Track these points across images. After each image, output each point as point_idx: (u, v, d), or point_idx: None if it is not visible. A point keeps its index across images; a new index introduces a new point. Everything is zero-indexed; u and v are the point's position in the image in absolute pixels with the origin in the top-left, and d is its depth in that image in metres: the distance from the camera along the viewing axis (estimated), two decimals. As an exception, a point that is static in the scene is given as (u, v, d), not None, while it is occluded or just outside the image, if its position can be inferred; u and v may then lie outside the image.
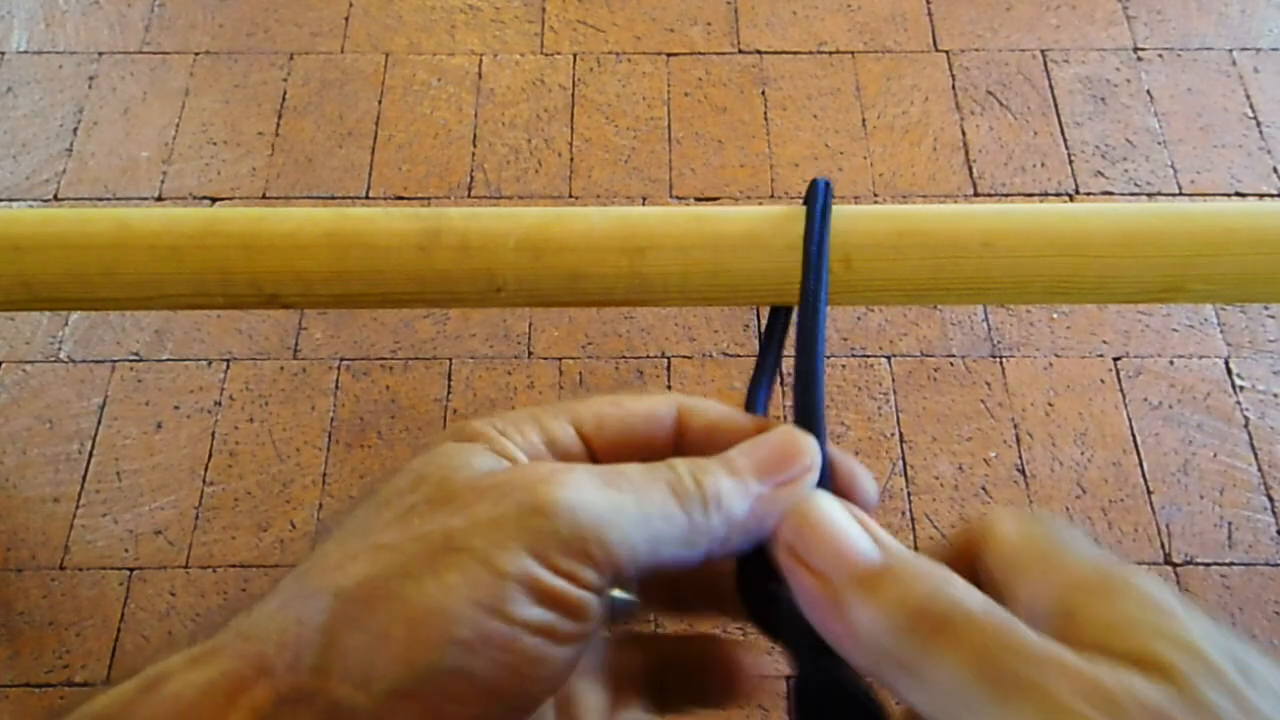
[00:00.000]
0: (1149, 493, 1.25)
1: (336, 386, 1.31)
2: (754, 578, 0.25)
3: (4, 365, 1.33)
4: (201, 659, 0.21)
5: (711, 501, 0.24)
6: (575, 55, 1.59)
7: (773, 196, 1.45)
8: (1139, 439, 1.28)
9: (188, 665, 0.21)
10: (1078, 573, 0.22)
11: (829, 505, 0.24)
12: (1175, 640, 0.20)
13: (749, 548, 0.25)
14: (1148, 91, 1.54)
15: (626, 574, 0.23)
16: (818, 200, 0.33)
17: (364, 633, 0.21)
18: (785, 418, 0.28)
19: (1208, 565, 1.20)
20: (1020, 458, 1.27)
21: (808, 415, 0.27)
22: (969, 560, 0.24)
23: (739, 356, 1.30)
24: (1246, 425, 1.29)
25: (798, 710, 0.25)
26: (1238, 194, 1.45)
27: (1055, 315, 1.36)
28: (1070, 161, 1.48)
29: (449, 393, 1.30)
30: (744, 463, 0.25)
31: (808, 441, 0.26)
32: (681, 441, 0.27)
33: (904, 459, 1.26)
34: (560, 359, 1.32)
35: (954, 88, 1.55)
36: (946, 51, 1.59)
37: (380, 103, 1.53)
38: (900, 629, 0.21)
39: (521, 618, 0.21)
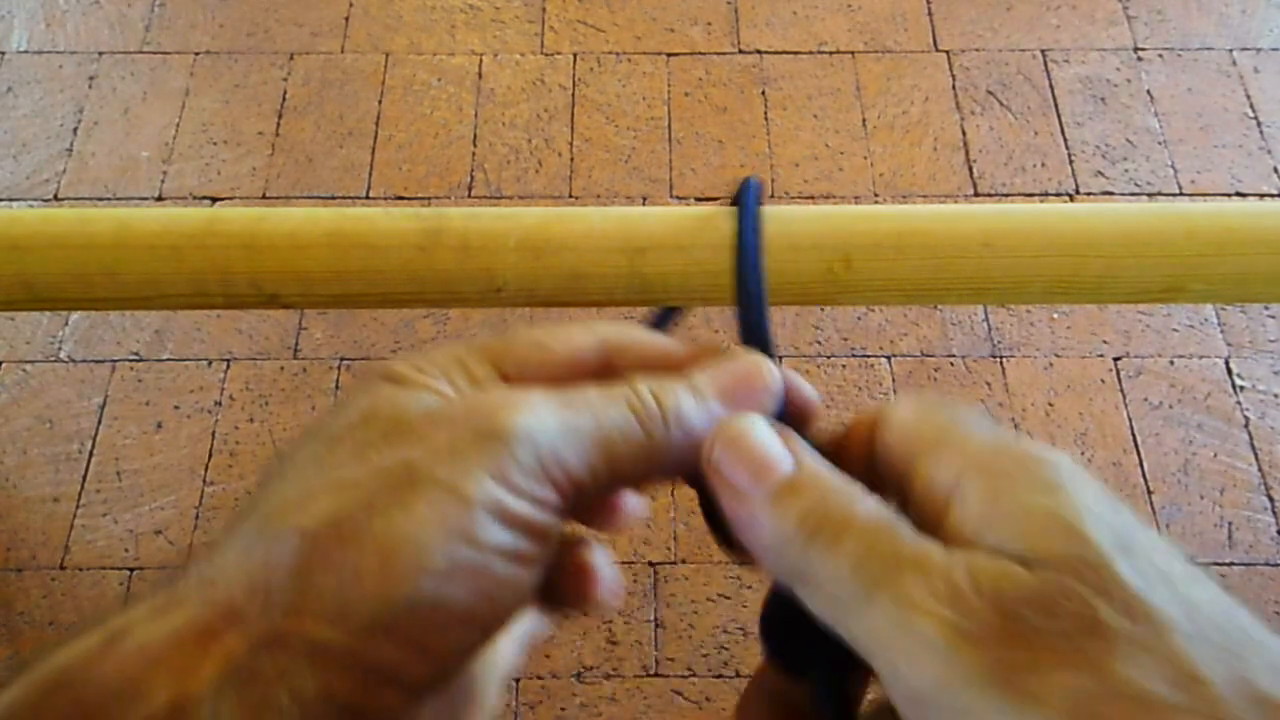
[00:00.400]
0: (1149, 493, 1.25)
1: (337, 386, 1.31)
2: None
3: (4, 365, 1.34)
4: (166, 609, 0.21)
5: (672, 420, 0.24)
6: (575, 55, 1.59)
7: (773, 196, 1.45)
8: (1139, 439, 1.28)
9: (152, 616, 0.21)
10: (975, 455, 0.22)
11: (751, 423, 0.25)
12: (1058, 528, 0.20)
13: (693, 473, 0.25)
14: (1148, 91, 1.54)
15: (587, 495, 0.23)
16: (749, 194, 0.33)
17: (336, 571, 0.21)
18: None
19: (1208, 565, 1.20)
20: (1020, 458, 1.27)
21: (756, 339, 0.28)
22: (867, 447, 0.25)
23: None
24: (1247, 425, 1.29)
25: (762, 625, 0.26)
26: (1238, 194, 1.45)
27: (1055, 315, 1.36)
28: (1070, 161, 1.48)
29: (449, 393, 1.30)
30: (706, 385, 0.25)
31: (770, 368, 0.26)
32: (611, 376, 0.27)
33: (904, 459, 1.26)
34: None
35: (954, 88, 1.55)
36: (947, 51, 1.59)
37: (380, 103, 1.53)
38: (793, 536, 0.22)
39: (492, 543, 0.22)
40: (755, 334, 0.28)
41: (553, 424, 0.23)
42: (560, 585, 0.26)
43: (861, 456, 0.25)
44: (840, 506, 0.22)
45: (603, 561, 0.27)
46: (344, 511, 0.21)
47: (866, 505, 0.22)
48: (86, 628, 0.21)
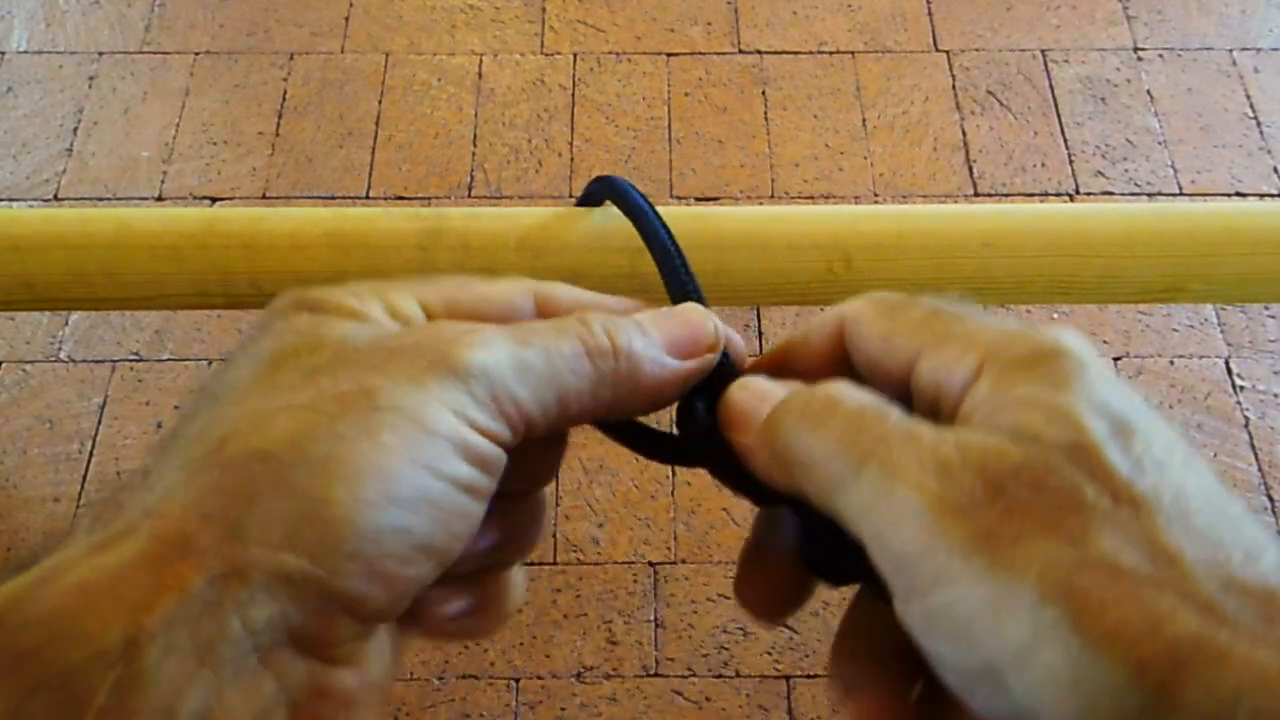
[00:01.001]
0: (1149, 493, 1.25)
1: (336, 386, 1.31)
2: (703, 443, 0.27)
3: (4, 365, 1.34)
4: (108, 544, 0.20)
5: (623, 357, 0.24)
6: (575, 55, 1.59)
7: (773, 196, 1.45)
8: (1139, 439, 1.28)
9: (91, 553, 0.20)
10: (989, 347, 0.23)
11: (749, 387, 0.26)
12: (1057, 416, 0.21)
13: (643, 412, 0.26)
14: (1148, 91, 1.54)
15: (538, 427, 0.23)
16: (613, 183, 0.33)
17: (300, 497, 0.20)
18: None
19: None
20: (1020, 458, 1.27)
21: (690, 294, 0.28)
22: (832, 358, 0.26)
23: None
24: (1247, 425, 1.29)
25: (801, 555, 0.26)
26: (1238, 194, 1.45)
27: (1055, 315, 1.36)
28: (1070, 161, 1.48)
29: (449, 393, 1.30)
30: (650, 324, 0.26)
31: (714, 321, 0.27)
32: None
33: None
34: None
35: (954, 88, 1.55)
36: (947, 51, 1.59)
37: (380, 103, 1.53)
38: (788, 427, 0.23)
39: (452, 475, 0.22)
40: (685, 288, 0.29)
41: (506, 359, 0.23)
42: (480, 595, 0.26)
43: (827, 368, 0.26)
44: (828, 395, 0.23)
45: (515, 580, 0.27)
46: (305, 434, 0.21)
47: (855, 393, 0.23)
48: (4, 573, 0.20)
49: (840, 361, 0.26)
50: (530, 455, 0.25)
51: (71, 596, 0.19)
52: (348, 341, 0.23)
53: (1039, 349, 0.22)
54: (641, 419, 0.27)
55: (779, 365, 0.27)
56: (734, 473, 0.25)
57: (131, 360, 1.33)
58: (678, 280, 0.29)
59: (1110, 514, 0.19)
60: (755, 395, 0.25)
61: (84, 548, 0.20)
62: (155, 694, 0.19)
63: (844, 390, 0.23)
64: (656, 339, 0.25)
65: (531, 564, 1.20)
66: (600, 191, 0.34)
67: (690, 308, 0.27)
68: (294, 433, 0.21)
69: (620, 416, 0.26)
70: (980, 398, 0.22)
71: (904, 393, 0.24)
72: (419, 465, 0.21)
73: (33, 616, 0.19)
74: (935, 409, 0.23)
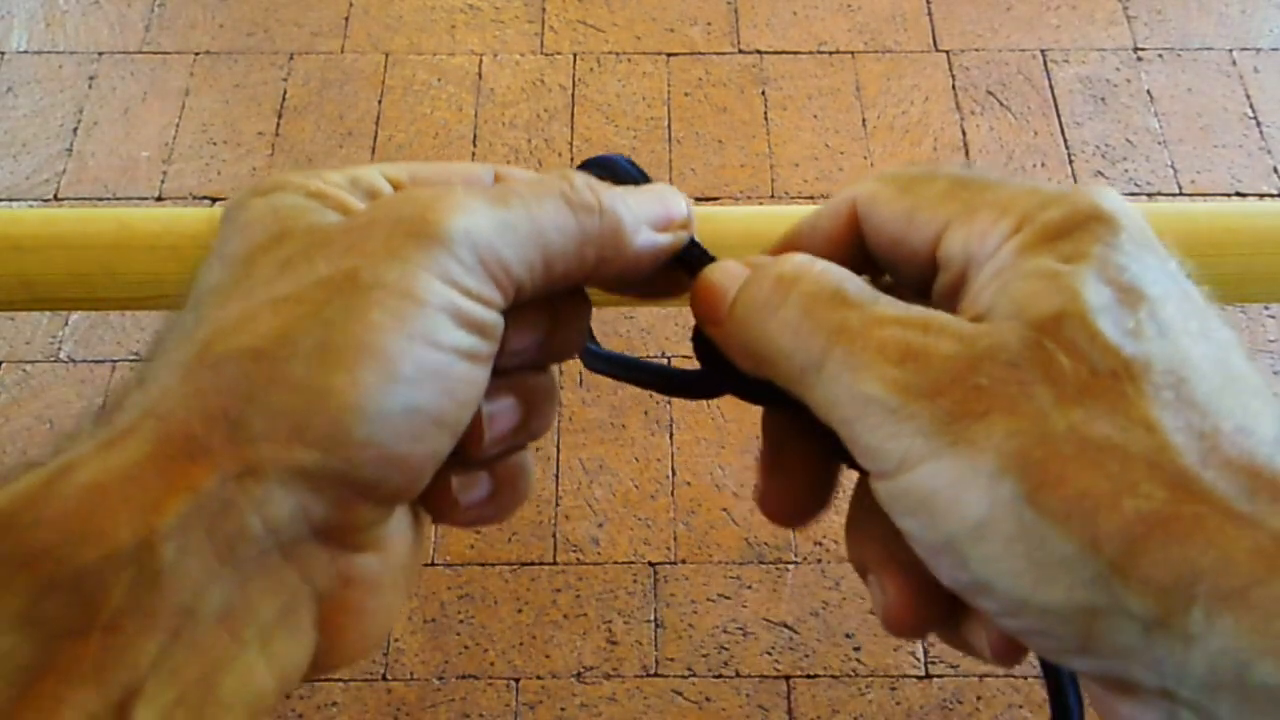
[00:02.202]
0: (1149, 493, 1.25)
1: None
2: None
3: (4, 365, 1.34)
4: (115, 444, 0.19)
5: (606, 215, 0.24)
6: (575, 55, 1.59)
7: (773, 196, 1.45)
8: (1139, 439, 1.28)
9: (99, 452, 0.19)
10: (1023, 211, 0.22)
11: (719, 269, 0.25)
12: (1056, 287, 0.20)
13: (618, 282, 0.26)
14: (1148, 91, 1.54)
15: (527, 290, 0.23)
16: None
17: (300, 389, 0.20)
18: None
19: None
20: (1020, 458, 1.27)
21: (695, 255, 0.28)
22: (846, 239, 0.25)
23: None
24: (1246, 425, 1.29)
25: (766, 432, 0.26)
26: (1238, 194, 1.45)
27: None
28: (1070, 161, 1.48)
29: (449, 393, 1.30)
30: (633, 199, 0.25)
31: (687, 201, 0.27)
32: None
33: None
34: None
35: (954, 88, 1.55)
36: (946, 51, 1.59)
37: (380, 103, 1.53)
38: (749, 315, 0.23)
39: (453, 344, 0.21)
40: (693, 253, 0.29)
41: (487, 221, 0.22)
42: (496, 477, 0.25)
43: (837, 255, 0.25)
44: (783, 273, 0.22)
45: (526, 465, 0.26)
46: (292, 327, 0.20)
47: (812, 268, 0.22)
48: (13, 472, 0.20)
49: (852, 246, 0.25)
50: (532, 321, 0.24)
51: (81, 497, 0.19)
52: (317, 225, 0.22)
53: (1075, 213, 0.21)
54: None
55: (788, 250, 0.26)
56: (746, 382, 0.25)
57: (131, 360, 1.33)
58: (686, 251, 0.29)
59: (1087, 384, 0.19)
60: (724, 276, 0.24)
61: (91, 447, 0.20)
62: (174, 593, 0.18)
63: (799, 266, 0.22)
64: (635, 205, 0.25)
65: (531, 564, 1.20)
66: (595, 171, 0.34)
67: (664, 186, 0.27)
68: (281, 326, 0.20)
69: (604, 284, 0.25)
70: (996, 267, 0.21)
71: (928, 272, 0.24)
72: (416, 339, 0.20)
73: (44, 516, 0.18)
74: (964, 283, 0.22)
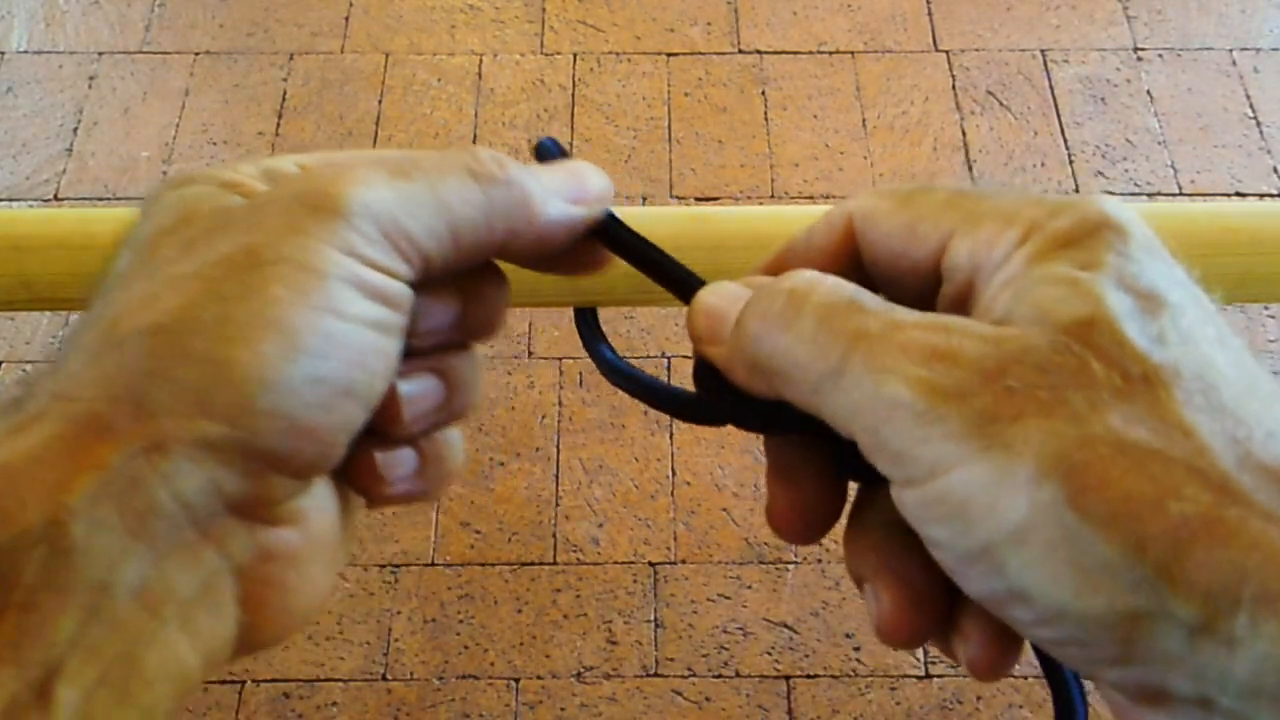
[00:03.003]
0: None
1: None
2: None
3: (4, 365, 1.33)
4: (22, 428, 0.20)
5: (514, 186, 0.24)
6: (575, 55, 1.59)
7: (773, 196, 1.45)
8: (1139, 439, 1.28)
9: (7, 437, 0.20)
10: (1031, 220, 0.21)
11: (716, 291, 0.25)
12: (1078, 294, 0.20)
13: (533, 256, 0.26)
14: (1148, 91, 1.54)
15: (435, 262, 0.23)
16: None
17: (202, 363, 0.20)
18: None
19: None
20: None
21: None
22: (841, 251, 0.25)
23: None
24: (1246, 425, 1.29)
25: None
26: (1238, 194, 1.45)
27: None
28: (1070, 161, 1.48)
29: (449, 393, 1.30)
30: (544, 173, 0.25)
31: (602, 174, 0.27)
32: None
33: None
34: (560, 359, 1.32)
35: (954, 88, 1.55)
36: (946, 51, 1.59)
37: (380, 103, 1.54)
38: (757, 331, 0.22)
39: (357, 314, 0.21)
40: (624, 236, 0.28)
41: (388, 193, 0.22)
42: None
43: (832, 268, 0.24)
44: (794, 288, 0.22)
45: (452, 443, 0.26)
46: (192, 303, 0.21)
47: (823, 282, 0.22)
48: None
49: (848, 262, 0.25)
50: (447, 298, 0.25)
51: None
52: (222, 209, 0.23)
53: (1084, 221, 0.21)
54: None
55: (778, 270, 0.26)
56: (749, 409, 0.24)
57: (131, 360, 1.33)
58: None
59: (1120, 389, 0.18)
60: (723, 298, 0.24)
61: None
62: (87, 569, 0.19)
63: (811, 280, 0.22)
64: (546, 179, 0.25)
65: (531, 564, 1.20)
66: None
67: (579, 162, 0.27)
68: (182, 303, 0.21)
69: (520, 258, 0.25)
70: (1009, 274, 0.21)
71: (930, 285, 0.23)
72: (319, 310, 0.21)
73: None
74: (969, 294, 0.22)
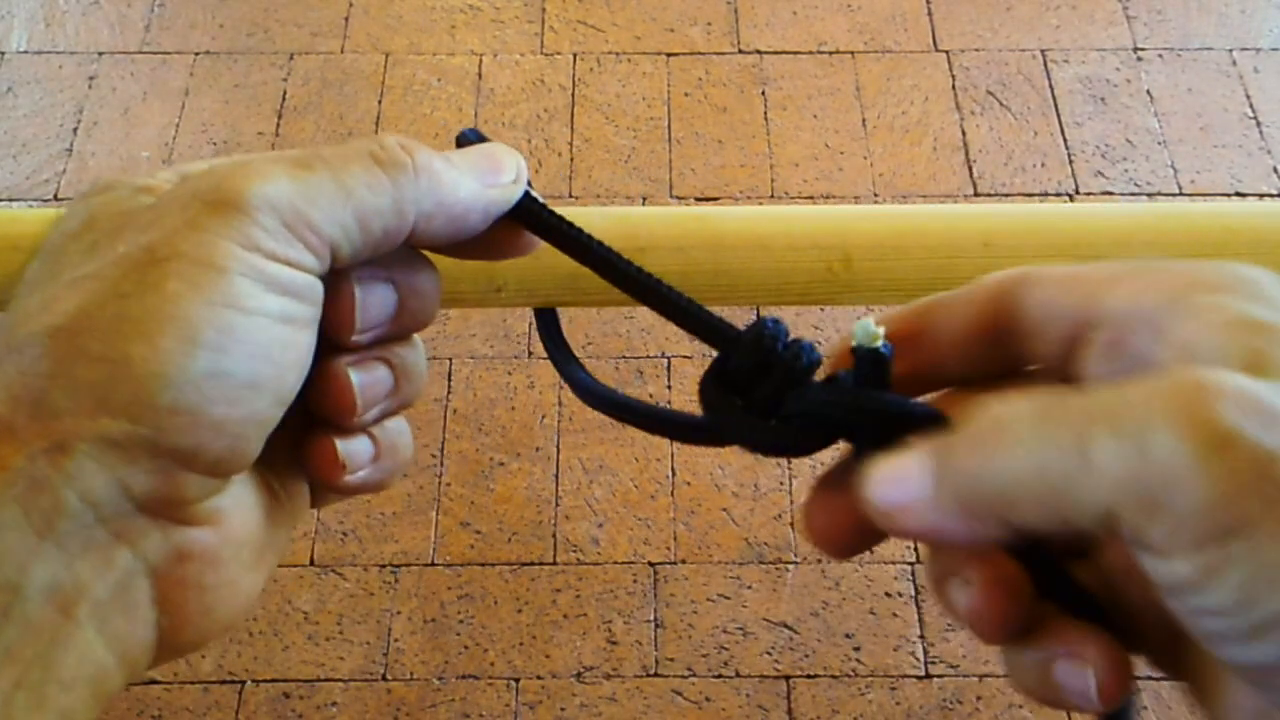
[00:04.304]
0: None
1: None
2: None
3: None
4: None
5: (422, 171, 0.24)
6: (575, 55, 1.59)
7: (773, 196, 1.45)
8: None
9: None
10: (1179, 270, 0.20)
11: (883, 475, 0.22)
12: (1259, 333, 0.18)
13: (450, 240, 0.25)
14: (1148, 91, 1.54)
15: (345, 251, 0.23)
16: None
17: (97, 361, 0.20)
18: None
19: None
20: (1020, 458, 1.27)
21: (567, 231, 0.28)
22: (986, 317, 0.23)
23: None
24: (1246, 425, 1.29)
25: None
26: (1238, 194, 1.45)
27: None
28: (1070, 161, 1.48)
29: (449, 392, 1.30)
30: (456, 156, 0.25)
31: (517, 155, 0.27)
32: None
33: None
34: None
35: (954, 88, 1.55)
36: (946, 51, 1.59)
37: (380, 103, 1.53)
38: (963, 472, 0.20)
39: (259, 308, 0.21)
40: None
41: (287, 184, 0.22)
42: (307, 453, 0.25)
43: (969, 337, 0.23)
44: (990, 417, 0.20)
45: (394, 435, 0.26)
46: (90, 303, 0.21)
47: (1014, 400, 0.20)
48: None
49: (986, 332, 0.23)
50: (379, 292, 0.25)
51: None
52: (125, 211, 0.23)
53: (1238, 275, 0.20)
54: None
55: (914, 328, 0.24)
56: (762, 429, 0.24)
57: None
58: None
59: None
60: (898, 467, 0.21)
61: None
62: None
63: (999, 405, 0.20)
64: (457, 161, 0.25)
65: (531, 564, 1.20)
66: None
67: (494, 144, 0.27)
68: (79, 303, 0.21)
69: (432, 242, 0.25)
70: (1192, 327, 0.19)
71: (1078, 343, 0.22)
72: (218, 305, 0.21)
73: None
74: (1125, 348, 0.21)
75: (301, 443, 0.25)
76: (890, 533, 0.22)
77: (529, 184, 0.27)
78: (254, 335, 0.21)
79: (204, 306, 0.21)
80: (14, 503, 0.19)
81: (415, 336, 0.27)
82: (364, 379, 0.25)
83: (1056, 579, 0.22)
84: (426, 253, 0.26)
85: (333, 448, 0.25)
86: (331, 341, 0.24)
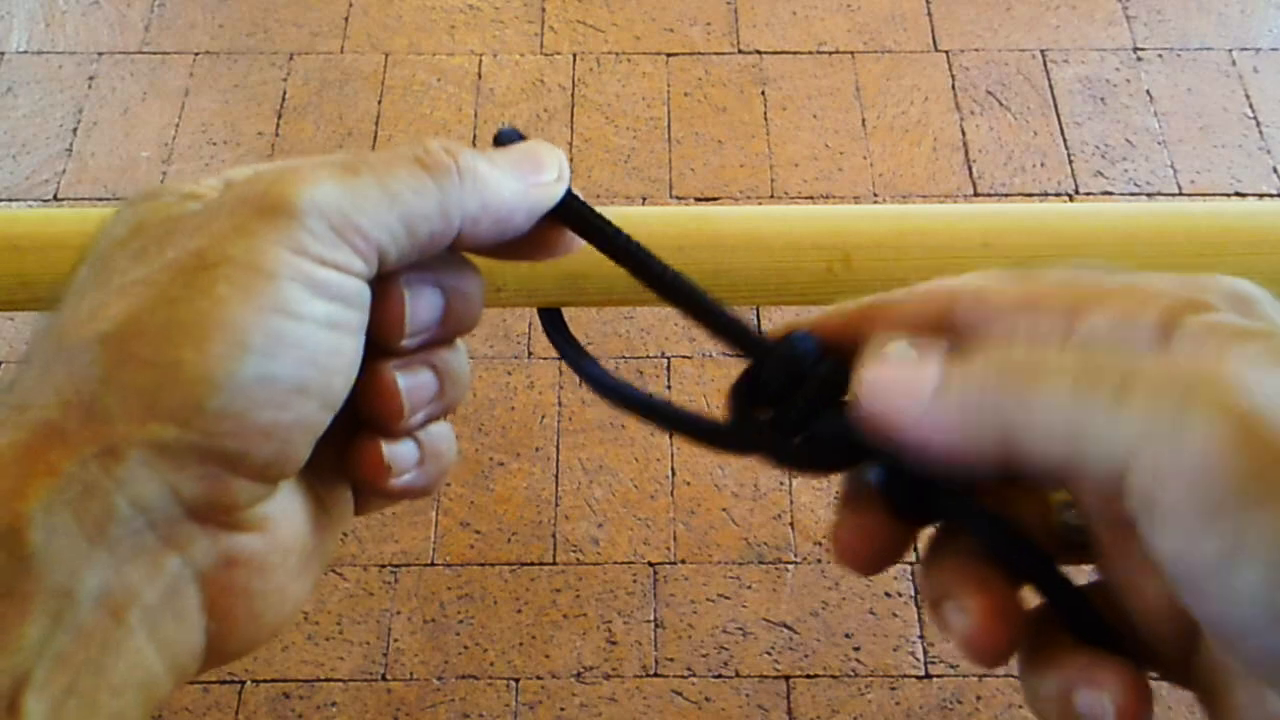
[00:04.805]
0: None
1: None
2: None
3: (4, 365, 1.33)
4: None
5: (466, 173, 0.24)
6: (575, 55, 1.59)
7: (773, 196, 1.45)
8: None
9: None
10: (1163, 291, 0.21)
11: (888, 363, 0.22)
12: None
13: (495, 242, 0.25)
14: (1148, 91, 1.54)
15: (391, 256, 0.23)
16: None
17: (148, 367, 0.20)
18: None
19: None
20: (1020, 458, 1.27)
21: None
22: (935, 321, 0.23)
23: (739, 356, 1.30)
24: (1246, 425, 1.29)
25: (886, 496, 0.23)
26: (1238, 194, 1.45)
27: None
28: (1070, 161, 1.48)
29: (449, 393, 1.30)
30: (496, 154, 0.25)
31: (558, 152, 0.26)
32: None
33: (904, 459, 1.26)
34: (560, 359, 1.32)
35: (954, 88, 1.55)
36: (946, 51, 1.59)
37: (380, 103, 1.53)
38: (995, 389, 0.19)
39: (307, 313, 0.21)
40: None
41: (335, 189, 0.22)
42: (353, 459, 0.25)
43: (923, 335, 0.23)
44: (1028, 350, 0.20)
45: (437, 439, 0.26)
46: (140, 308, 0.21)
47: (1053, 351, 0.20)
48: None
49: (933, 336, 0.23)
50: (428, 297, 0.25)
51: None
52: (173, 217, 0.23)
53: (1232, 291, 0.20)
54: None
55: (857, 321, 0.24)
56: (788, 442, 0.23)
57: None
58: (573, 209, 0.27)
59: None
60: (902, 365, 0.21)
61: None
62: (48, 575, 0.19)
63: (1021, 347, 0.20)
64: (500, 162, 0.25)
65: (531, 564, 1.20)
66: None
67: (534, 142, 0.26)
68: (129, 309, 0.21)
69: (477, 245, 0.25)
70: (1199, 339, 0.19)
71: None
72: (267, 310, 0.21)
73: None
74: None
75: (346, 448, 0.25)
76: (874, 437, 0.21)
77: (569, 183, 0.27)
78: (302, 340, 0.21)
79: (253, 312, 0.21)
80: (66, 508, 0.19)
81: (458, 340, 0.27)
82: (410, 383, 0.25)
83: (1070, 607, 0.22)
84: (468, 255, 0.26)
85: (379, 452, 0.25)
86: (378, 346, 0.24)
